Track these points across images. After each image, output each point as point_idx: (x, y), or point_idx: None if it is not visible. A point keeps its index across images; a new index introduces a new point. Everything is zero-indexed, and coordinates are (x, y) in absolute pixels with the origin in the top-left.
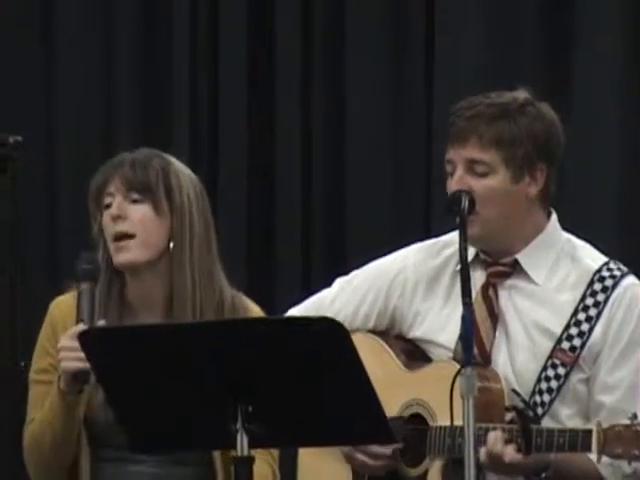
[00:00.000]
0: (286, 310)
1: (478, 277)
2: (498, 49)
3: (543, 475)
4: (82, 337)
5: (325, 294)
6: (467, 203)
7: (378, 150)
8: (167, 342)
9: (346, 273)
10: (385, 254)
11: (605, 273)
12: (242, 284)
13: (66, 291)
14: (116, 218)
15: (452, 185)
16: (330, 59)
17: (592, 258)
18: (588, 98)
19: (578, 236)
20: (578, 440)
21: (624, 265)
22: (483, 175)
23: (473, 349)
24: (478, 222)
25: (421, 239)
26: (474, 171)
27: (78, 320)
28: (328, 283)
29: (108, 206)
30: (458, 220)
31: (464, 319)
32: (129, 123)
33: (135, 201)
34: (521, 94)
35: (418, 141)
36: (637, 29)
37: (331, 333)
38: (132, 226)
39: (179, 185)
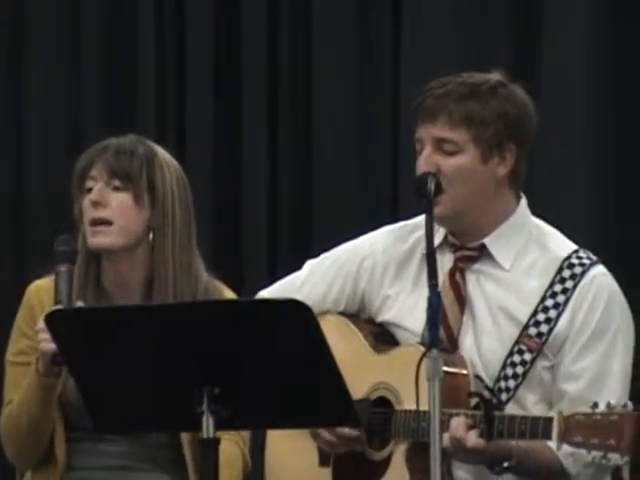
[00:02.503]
0: (253, 295)
1: (446, 261)
2: (466, 33)
3: (505, 464)
4: (49, 318)
5: (295, 277)
6: (433, 185)
7: (344, 133)
8: (133, 324)
9: (313, 256)
10: (352, 237)
11: (574, 260)
12: (208, 268)
13: (43, 275)
14: (95, 204)
15: (420, 163)
16: (298, 36)
17: (561, 245)
18: (555, 84)
19: (547, 221)
20: (539, 428)
21: (592, 252)
22: (451, 154)
23: (439, 331)
24: (445, 201)
25: (388, 222)
26: (442, 150)
27: (56, 302)
28: (294, 266)
29: (90, 190)
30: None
31: (430, 301)
32: (96, 97)
33: (116, 188)
34: (494, 76)
35: (385, 124)
36: (603, 13)
37: (297, 315)
38: (110, 213)
39: (162, 176)
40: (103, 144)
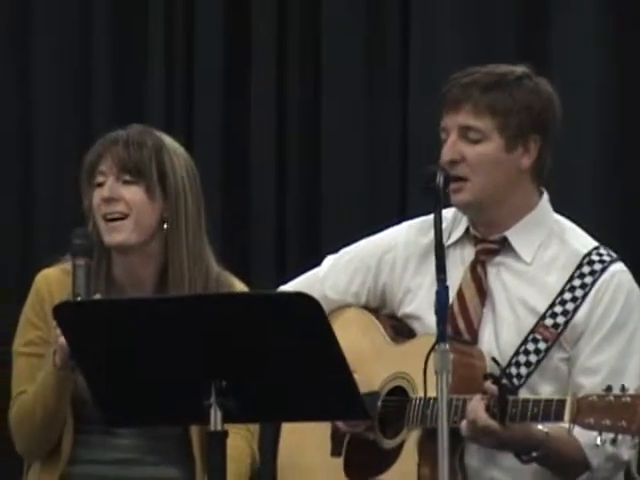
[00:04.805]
0: (261, 287)
1: (467, 254)
2: (474, 30)
3: (534, 454)
4: (56, 311)
5: (315, 272)
6: (442, 180)
7: (353, 130)
8: (141, 317)
9: (320, 249)
10: (360, 231)
11: (594, 257)
12: (217, 261)
13: (51, 263)
14: (108, 200)
15: (445, 151)
16: (306, 28)
17: (582, 242)
18: (564, 80)
19: (559, 212)
20: (552, 409)
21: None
22: (476, 142)
23: (447, 324)
24: (468, 189)
25: (396, 222)
26: (467, 137)
27: (75, 295)
28: (302, 260)
29: (100, 184)
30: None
31: (438, 295)
32: (105, 94)
33: (127, 182)
34: (520, 67)
35: (394, 124)
36: (610, 13)
37: (306, 309)
38: (125, 207)
39: (172, 167)
40: (111, 137)
